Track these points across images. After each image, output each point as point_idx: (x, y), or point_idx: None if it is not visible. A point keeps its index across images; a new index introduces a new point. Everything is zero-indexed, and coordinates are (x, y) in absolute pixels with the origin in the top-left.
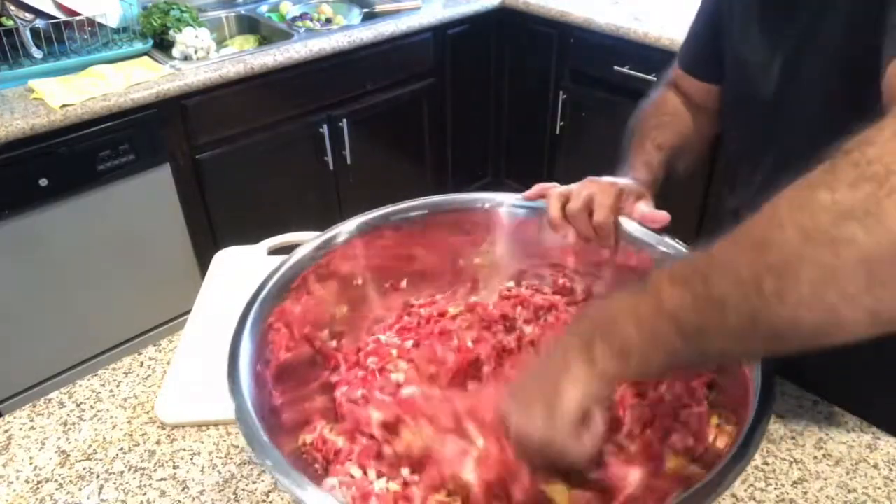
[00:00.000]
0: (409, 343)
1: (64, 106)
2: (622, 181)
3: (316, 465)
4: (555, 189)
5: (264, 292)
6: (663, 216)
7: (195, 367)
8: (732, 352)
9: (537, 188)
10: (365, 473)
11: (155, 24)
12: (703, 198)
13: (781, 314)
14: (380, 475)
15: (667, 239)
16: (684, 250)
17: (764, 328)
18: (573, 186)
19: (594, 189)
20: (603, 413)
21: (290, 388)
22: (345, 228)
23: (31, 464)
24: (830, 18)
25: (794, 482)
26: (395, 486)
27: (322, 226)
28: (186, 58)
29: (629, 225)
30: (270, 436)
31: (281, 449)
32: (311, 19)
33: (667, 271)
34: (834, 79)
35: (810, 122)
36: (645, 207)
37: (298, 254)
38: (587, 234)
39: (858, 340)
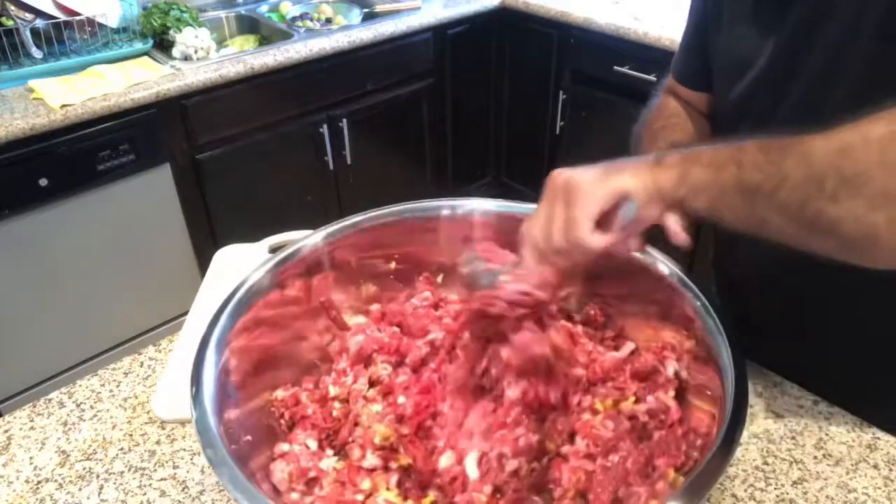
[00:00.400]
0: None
1: (64, 106)
2: None
3: (281, 421)
4: None
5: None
6: (686, 239)
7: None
8: (768, 222)
9: None
10: (321, 448)
11: (155, 24)
12: None
13: (829, 212)
14: (336, 453)
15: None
16: (671, 265)
17: (808, 216)
18: None
19: None
20: (620, 229)
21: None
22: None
23: (31, 464)
24: (828, 19)
25: (794, 482)
26: (341, 464)
27: (321, 226)
28: (186, 58)
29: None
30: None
31: (243, 461)
32: (311, 19)
33: (758, 139)
34: (838, 80)
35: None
36: (673, 222)
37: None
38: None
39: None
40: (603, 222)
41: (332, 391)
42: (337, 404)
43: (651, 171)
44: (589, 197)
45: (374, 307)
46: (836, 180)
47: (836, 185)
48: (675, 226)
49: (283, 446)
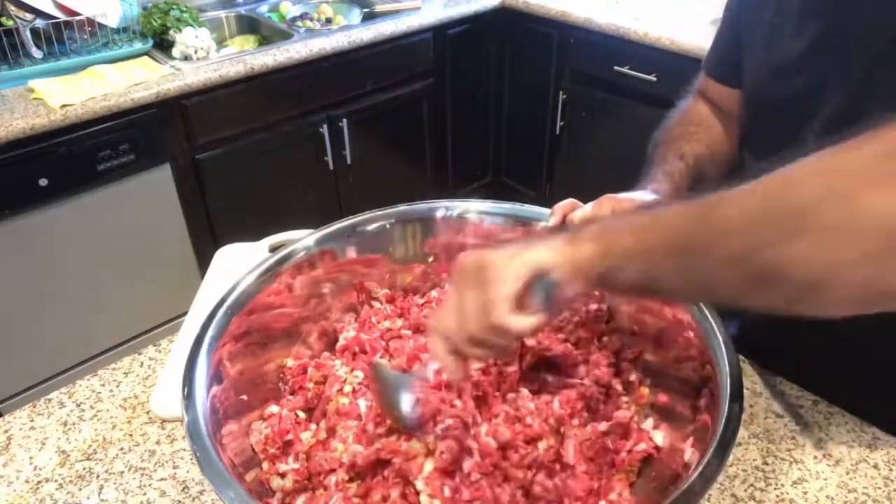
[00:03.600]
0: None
1: (64, 106)
2: (640, 198)
3: (283, 386)
4: (575, 214)
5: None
6: None
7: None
8: (712, 282)
9: (559, 212)
10: (309, 420)
11: (155, 24)
12: None
13: (777, 256)
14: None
15: None
16: None
17: (755, 265)
18: (590, 208)
19: (613, 207)
20: (541, 313)
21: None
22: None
23: (31, 464)
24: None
25: (794, 482)
26: (322, 435)
27: (320, 226)
28: (186, 58)
29: None
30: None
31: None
32: (311, 19)
33: (677, 200)
34: (869, 91)
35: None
36: None
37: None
38: None
39: (828, 319)
40: (522, 305)
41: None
42: (310, 384)
43: (569, 244)
44: (503, 275)
45: (382, 292)
46: (780, 218)
47: (778, 224)
48: None
49: (274, 408)
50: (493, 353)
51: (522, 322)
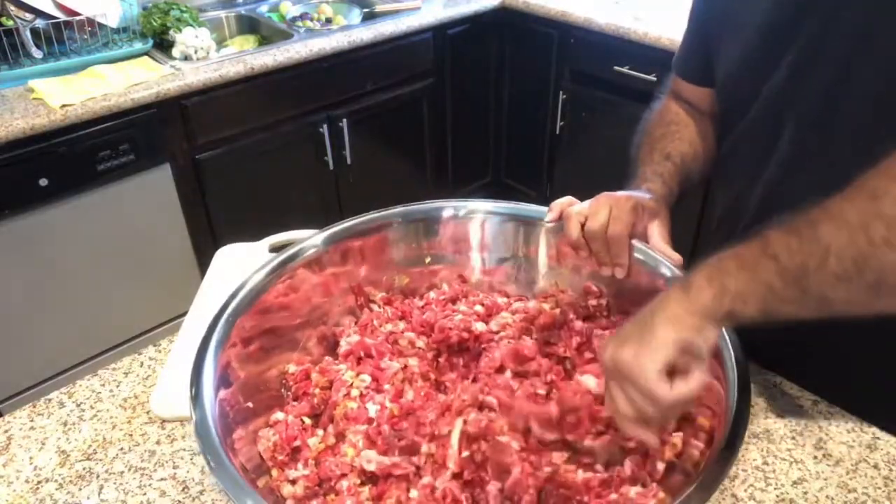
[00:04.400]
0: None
1: (64, 106)
2: (637, 195)
3: (286, 393)
4: (572, 209)
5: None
6: (677, 259)
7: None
8: (830, 299)
9: (556, 208)
10: (315, 426)
11: (155, 24)
12: (702, 202)
13: (890, 258)
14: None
15: (662, 260)
16: (680, 273)
17: (869, 273)
18: (588, 204)
19: (611, 204)
20: (700, 367)
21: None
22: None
23: (31, 464)
24: (839, 26)
25: (794, 482)
26: (331, 440)
27: (322, 227)
28: (186, 58)
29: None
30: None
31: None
32: (311, 19)
33: (776, 226)
34: (844, 86)
35: (821, 131)
36: (661, 241)
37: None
38: (602, 255)
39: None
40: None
41: (316, 378)
42: (317, 390)
43: (685, 301)
44: (648, 374)
45: (380, 295)
46: (883, 225)
47: (884, 229)
48: (661, 245)
49: (279, 415)
50: (678, 413)
51: (687, 389)
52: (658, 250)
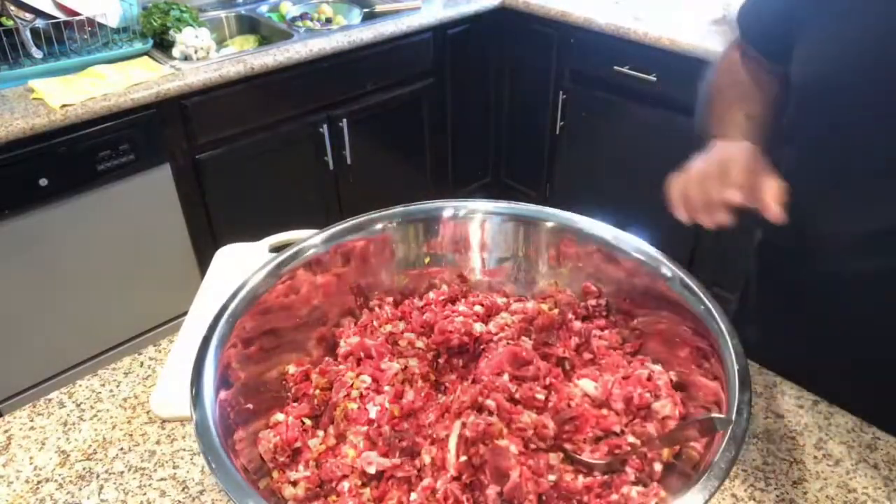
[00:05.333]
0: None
1: (64, 106)
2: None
3: (286, 394)
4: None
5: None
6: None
7: (192, 361)
8: None
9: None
10: (316, 427)
11: (155, 24)
12: None
13: None
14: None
15: (665, 260)
16: (681, 273)
17: None
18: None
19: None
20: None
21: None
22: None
23: (31, 464)
24: None
25: (794, 482)
26: (331, 441)
27: (322, 227)
28: (186, 58)
29: (627, 244)
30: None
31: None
32: (311, 19)
33: None
34: None
35: None
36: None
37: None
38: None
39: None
40: None
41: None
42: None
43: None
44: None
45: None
46: None
47: None
48: (769, 199)
49: (279, 416)
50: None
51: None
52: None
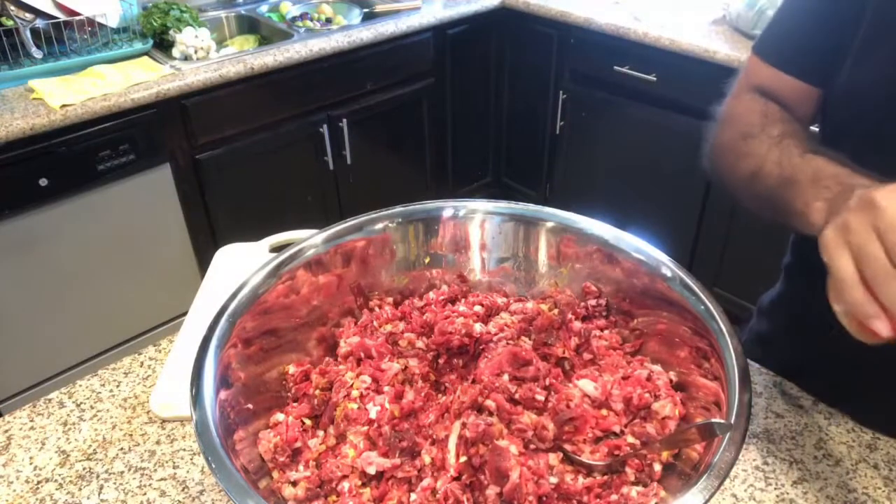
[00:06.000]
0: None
1: (64, 106)
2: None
3: (286, 394)
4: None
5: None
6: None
7: (191, 360)
8: None
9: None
10: (315, 427)
11: (155, 24)
12: (702, 202)
13: None
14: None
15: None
16: (681, 273)
17: None
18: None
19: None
20: None
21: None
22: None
23: (31, 464)
24: None
25: (794, 482)
26: (331, 441)
27: (322, 227)
28: (186, 58)
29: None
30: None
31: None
32: (311, 19)
33: None
34: None
35: None
36: None
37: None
38: None
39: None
40: None
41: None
42: (318, 391)
43: None
44: None
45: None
46: None
47: None
48: None
49: (279, 416)
50: None
51: None
52: None
